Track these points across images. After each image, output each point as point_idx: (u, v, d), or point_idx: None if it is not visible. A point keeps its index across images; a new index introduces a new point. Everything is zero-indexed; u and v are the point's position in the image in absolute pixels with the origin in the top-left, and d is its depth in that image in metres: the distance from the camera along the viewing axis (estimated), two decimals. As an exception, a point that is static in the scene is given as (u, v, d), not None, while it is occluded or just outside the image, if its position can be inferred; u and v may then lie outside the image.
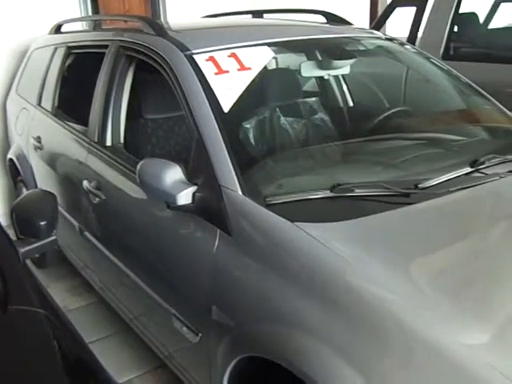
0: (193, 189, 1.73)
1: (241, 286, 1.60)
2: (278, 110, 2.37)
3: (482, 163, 1.85)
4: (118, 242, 2.31)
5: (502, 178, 1.81)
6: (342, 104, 2.89)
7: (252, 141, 2.21)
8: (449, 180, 1.77)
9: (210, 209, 1.72)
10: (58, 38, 3.19)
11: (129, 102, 2.40)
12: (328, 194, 1.67)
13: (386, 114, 2.38)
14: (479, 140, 2.21)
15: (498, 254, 1.57)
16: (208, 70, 1.95)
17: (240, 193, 1.68)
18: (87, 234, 2.53)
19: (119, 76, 2.36)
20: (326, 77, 2.74)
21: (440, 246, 1.56)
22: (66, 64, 3.01)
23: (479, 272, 1.49)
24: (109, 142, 2.38)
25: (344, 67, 2.60)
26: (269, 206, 1.63)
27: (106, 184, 2.29)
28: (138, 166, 1.83)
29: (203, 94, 1.88)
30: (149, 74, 2.28)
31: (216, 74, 1.94)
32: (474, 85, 2.41)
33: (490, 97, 2.36)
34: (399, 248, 1.52)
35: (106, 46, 2.51)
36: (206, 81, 1.92)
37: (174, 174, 1.74)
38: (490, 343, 1.25)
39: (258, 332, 1.52)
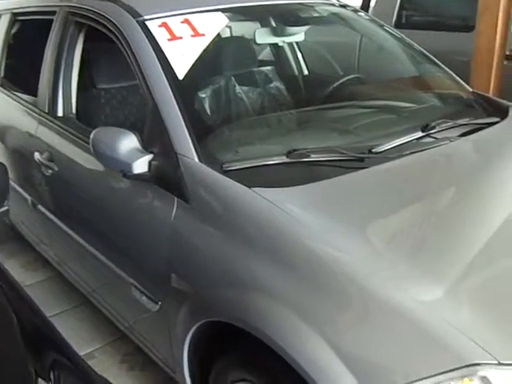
0: (149, 157, 1.71)
1: (199, 252, 1.61)
2: (233, 78, 2.35)
3: (433, 128, 1.90)
4: (73, 215, 2.27)
5: (451, 141, 1.86)
6: (296, 72, 2.89)
7: (208, 109, 2.20)
8: (401, 144, 1.81)
9: (167, 177, 1.71)
10: (2, 5, 3.06)
11: (80, 71, 2.34)
12: (284, 159, 1.68)
13: (341, 81, 2.40)
14: (431, 106, 2.26)
15: (449, 215, 1.63)
16: (161, 36, 1.91)
17: (197, 160, 1.67)
18: (40, 207, 2.48)
19: (69, 44, 2.29)
20: (280, 44, 2.73)
21: (394, 208, 1.60)
22: (12, 32, 2.89)
23: (431, 232, 1.55)
24: (60, 113, 2.31)
25: (298, 34, 2.59)
26: (226, 173, 1.63)
27: (58, 155, 2.24)
28: (92, 135, 1.79)
29: (157, 60, 1.85)
30: (100, 41, 2.21)
31: (169, 40, 1.91)
32: (426, 52, 2.45)
33: (441, 64, 2.41)
34: (355, 211, 1.56)
35: (53, 13, 2.42)
36: (159, 47, 1.89)
37: (129, 143, 1.72)
38: (444, 299, 1.29)
39: (217, 297, 1.54)
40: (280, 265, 1.43)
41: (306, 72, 2.91)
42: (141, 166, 1.70)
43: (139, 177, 1.73)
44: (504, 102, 2.27)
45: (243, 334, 1.46)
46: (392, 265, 1.37)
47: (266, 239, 1.49)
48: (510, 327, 1.22)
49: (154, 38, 1.91)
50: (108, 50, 2.21)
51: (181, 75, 1.84)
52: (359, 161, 1.72)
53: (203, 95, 2.21)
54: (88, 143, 1.84)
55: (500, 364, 1.13)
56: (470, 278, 1.38)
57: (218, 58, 2.34)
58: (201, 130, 1.82)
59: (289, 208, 1.50)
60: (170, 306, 1.72)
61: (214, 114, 2.21)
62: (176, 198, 1.68)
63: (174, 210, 1.68)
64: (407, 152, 1.77)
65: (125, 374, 2.26)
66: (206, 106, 2.20)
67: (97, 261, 2.08)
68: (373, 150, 1.75)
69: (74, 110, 2.32)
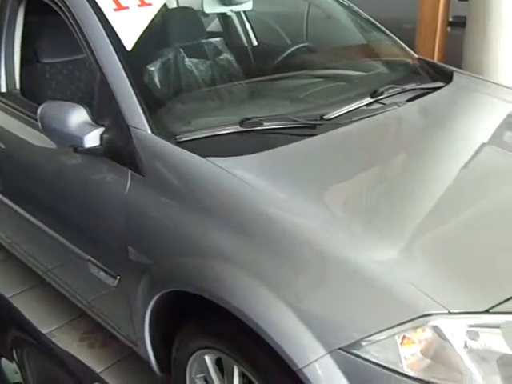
0: (100, 130, 1.68)
1: (157, 224, 1.61)
2: (182, 51, 2.32)
3: (381, 94, 1.94)
4: (24, 193, 2.22)
5: (399, 106, 1.91)
6: (246, 43, 2.88)
7: (158, 81, 2.16)
8: (352, 111, 1.84)
9: (120, 150, 1.69)
10: None
11: (23, 44, 2.25)
12: (238, 128, 1.69)
13: (290, 50, 2.40)
14: (378, 73, 2.30)
15: (401, 177, 1.69)
16: (106, 5, 1.86)
17: (149, 132, 1.65)
18: (-12, 188, 2.40)
19: (9, 15, 2.19)
20: (228, 14, 2.71)
21: (348, 173, 1.64)
22: None
23: (385, 195, 1.59)
24: (3, 89, 2.23)
25: (246, 3, 2.57)
26: (179, 144, 1.62)
27: (3, 133, 2.17)
28: (39, 111, 1.74)
29: (103, 31, 1.80)
30: (43, 13, 2.14)
31: (115, 10, 1.86)
32: (373, 20, 2.48)
33: (388, 32, 2.45)
34: (310, 177, 1.59)
35: (-10, -16, 2.31)
36: (105, 18, 1.84)
37: (78, 116, 1.68)
38: (398, 258, 1.34)
39: (176, 267, 1.55)
40: (239, 232, 1.44)
41: (255, 43, 2.90)
42: (92, 139, 1.67)
43: (91, 151, 1.70)
44: (448, 67, 2.34)
45: (204, 303, 1.48)
46: (349, 228, 1.41)
47: (224, 207, 1.50)
48: (459, 279, 1.28)
49: (99, 8, 1.85)
50: (52, 23, 2.14)
51: (129, 46, 1.80)
52: (311, 128, 1.75)
53: (152, 68, 2.18)
54: (35, 119, 1.79)
55: (450, 313, 1.18)
56: (422, 237, 1.43)
57: (166, 29, 2.31)
58: (152, 102, 1.80)
59: (244, 176, 1.51)
60: (128, 280, 1.72)
61: (165, 87, 2.18)
62: (130, 171, 1.66)
63: (129, 183, 1.66)
64: (357, 118, 1.81)
65: (85, 352, 2.25)
66: (156, 77, 2.16)
67: (51, 240, 2.04)
68: (324, 117, 1.78)
69: (17, 86, 2.24)
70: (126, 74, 1.73)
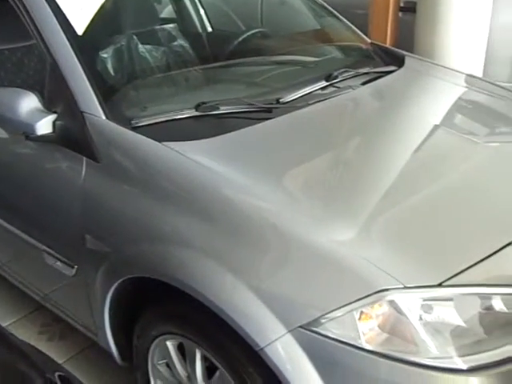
0: (52, 117, 1.64)
1: (114, 211, 1.59)
2: (135, 37, 2.29)
3: (336, 77, 1.97)
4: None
5: (354, 89, 1.94)
6: (200, 29, 2.85)
7: (111, 67, 2.12)
8: (307, 94, 1.86)
9: (74, 137, 1.65)
10: None
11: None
12: (194, 112, 1.69)
13: (244, 36, 2.40)
14: (333, 57, 2.32)
15: (357, 158, 1.71)
16: (55, -12, 1.81)
17: (104, 117, 1.63)
18: None
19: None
20: (182, -1, 2.68)
21: (305, 156, 1.66)
22: None
23: (343, 176, 1.62)
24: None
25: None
26: (135, 129, 1.61)
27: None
28: (-13, 98, 1.69)
29: (53, 15, 1.75)
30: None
31: (65, -7, 1.82)
32: (326, 6, 2.50)
33: (341, 17, 2.48)
34: (268, 160, 1.60)
35: None
36: (55, 2, 1.79)
37: (29, 103, 1.64)
38: (356, 237, 1.37)
39: (136, 253, 1.53)
40: (199, 217, 1.44)
41: (209, 29, 2.87)
42: (44, 126, 1.63)
43: (43, 138, 1.66)
44: (400, 51, 2.39)
45: (165, 288, 1.48)
46: (308, 210, 1.43)
47: (182, 192, 1.50)
48: (414, 255, 1.32)
49: (47, -9, 1.80)
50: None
51: (80, 31, 1.76)
52: (267, 111, 1.75)
53: (105, 55, 2.13)
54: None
55: (405, 288, 1.22)
56: (379, 216, 1.46)
57: (118, 15, 2.26)
58: (106, 88, 1.77)
59: (202, 160, 1.51)
60: (86, 269, 1.69)
61: (119, 73, 2.14)
62: (85, 158, 1.63)
63: (84, 171, 1.63)
64: (313, 101, 1.83)
65: (44, 345, 2.20)
66: (110, 64, 2.12)
67: (5, 231, 1.99)
68: (280, 100, 1.79)
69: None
70: (78, 58, 1.69)
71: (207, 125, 1.69)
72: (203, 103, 1.69)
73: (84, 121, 1.62)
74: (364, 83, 2.02)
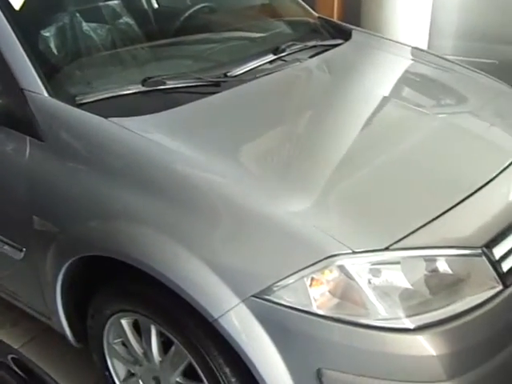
0: (-9, 96, 1.59)
1: (61, 190, 1.55)
2: (78, 15, 2.22)
3: (284, 50, 1.97)
4: None
5: (302, 62, 1.95)
6: (146, 6, 2.79)
7: (54, 45, 2.05)
8: (255, 68, 1.86)
9: (15, 116, 1.60)
10: None
11: None
12: (140, 88, 1.66)
13: (191, 11, 2.36)
14: (280, 32, 2.30)
15: (309, 130, 1.72)
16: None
17: (46, 95, 1.58)
18: None
19: None
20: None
21: (256, 129, 1.65)
22: None
23: (296, 148, 1.62)
24: None
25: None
26: (80, 106, 1.57)
27: None
28: None
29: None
30: None
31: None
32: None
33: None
34: (218, 134, 1.59)
35: None
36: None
37: None
38: (310, 207, 1.38)
39: (85, 232, 1.51)
40: (149, 192, 1.43)
41: (155, 5, 2.81)
42: (-17, 106, 1.57)
43: None
44: (347, 25, 2.40)
45: (116, 265, 1.46)
46: (263, 183, 1.43)
47: (131, 168, 1.48)
48: (362, 221, 1.34)
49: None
50: None
51: (17, 5, 1.70)
52: (215, 85, 1.74)
53: (47, 33, 2.07)
54: None
55: (354, 253, 1.25)
56: (331, 186, 1.48)
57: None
58: (48, 65, 1.73)
59: (150, 134, 1.50)
60: (35, 251, 1.66)
61: (62, 51, 2.08)
62: (28, 137, 1.59)
63: (28, 150, 1.59)
64: (261, 74, 1.82)
65: (-4, 333, 2.16)
66: (52, 42, 2.06)
67: None
68: (228, 74, 1.78)
69: None
70: (16, 35, 1.63)
71: (154, 100, 1.66)
72: (149, 78, 1.67)
73: (25, 99, 1.57)
74: (311, 56, 2.02)
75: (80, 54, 2.11)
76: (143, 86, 1.66)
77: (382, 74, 2.16)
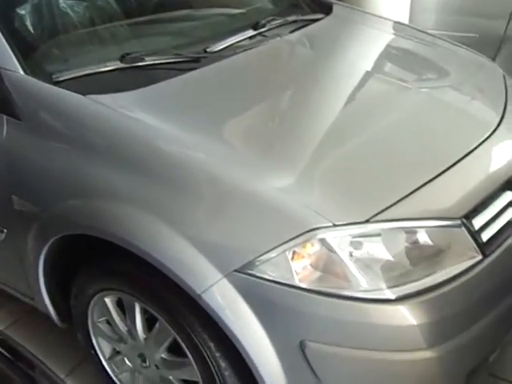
0: (-34, 76, 1.56)
1: (41, 169, 1.54)
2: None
3: (264, 25, 1.95)
4: None
5: (282, 37, 1.93)
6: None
7: (30, 23, 2.01)
8: (236, 43, 1.84)
9: (-10, 95, 1.57)
10: None
11: None
12: (118, 64, 1.63)
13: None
14: (260, 6, 2.28)
15: (292, 106, 1.71)
16: None
17: (22, 73, 1.55)
18: None
19: None
20: None
21: (239, 104, 1.63)
22: None
23: (279, 124, 1.61)
24: None
25: None
26: (57, 84, 1.55)
27: None
28: None
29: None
30: None
31: None
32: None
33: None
34: (201, 109, 1.57)
35: None
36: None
37: None
38: (299, 185, 1.37)
39: (67, 211, 1.50)
40: (131, 170, 1.41)
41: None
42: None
43: None
44: (328, -1, 2.38)
45: (99, 244, 1.46)
46: (246, 159, 1.42)
47: (112, 145, 1.46)
48: (343, 195, 1.35)
49: None
50: None
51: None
52: (195, 61, 1.72)
53: (23, 11, 2.02)
54: None
55: (335, 226, 1.25)
56: (315, 162, 1.47)
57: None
58: (24, 43, 1.70)
59: (129, 111, 1.48)
60: (16, 232, 1.65)
61: (38, 29, 2.03)
62: (5, 117, 1.57)
63: (5, 130, 1.57)
64: (241, 50, 1.80)
65: (-21, 315, 2.15)
66: (28, 19, 2.01)
67: None
68: (207, 50, 1.76)
69: None
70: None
71: (133, 76, 1.64)
72: (127, 54, 1.64)
73: (1, 77, 1.55)
74: (292, 31, 2.00)
75: (57, 31, 2.06)
76: (121, 62, 1.63)
77: (363, 48, 2.15)
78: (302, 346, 1.27)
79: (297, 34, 2.00)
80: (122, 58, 1.63)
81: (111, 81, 1.60)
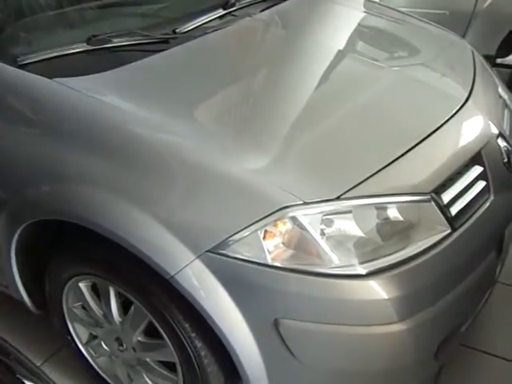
0: None
1: (9, 155, 1.51)
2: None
3: (233, 5, 1.93)
4: None
5: (252, 17, 1.91)
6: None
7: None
8: (205, 23, 1.82)
9: (-46, 79, 1.53)
10: None
11: None
12: (85, 46, 1.60)
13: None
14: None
15: (266, 86, 1.70)
16: None
17: (-16, 56, 1.52)
18: None
19: None
20: None
21: (210, 85, 1.61)
22: None
23: (253, 105, 1.59)
24: None
25: None
26: (22, 67, 1.51)
27: None
28: None
29: None
30: None
31: None
32: None
33: None
34: (171, 91, 1.55)
35: None
36: None
37: None
38: (270, 165, 1.36)
39: (38, 196, 1.48)
40: (102, 153, 1.39)
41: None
42: None
43: None
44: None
45: (71, 228, 1.45)
46: (219, 140, 1.40)
47: (81, 129, 1.44)
48: (314, 173, 1.35)
49: None
50: None
51: None
52: (164, 42, 1.70)
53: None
54: None
55: (305, 203, 1.26)
56: (286, 142, 1.47)
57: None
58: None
59: (98, 94, 1.45)
60: (-14, 219, 1.62)
61: (2, 11, 1.98)
62: (-31, 102, 1.53)
63: (-30, 116, 1.53)
64: (211, 30, 1.78)
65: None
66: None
67: None
68: (176, 31, 1.74)
69: None
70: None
71: (101, 59, 1.61)
72: (94, 36, 1.61)
73: (-40, 61, 1.51)
74: (262, 10, 1.99)
75: (22, 13, 2.01)
76: (88, 44, 1.60)
77: (335, 27, 2.14)
78: (275, 324, 1.29)
79: (267, 12, 1.99)
80: (88, 40, 1.60)
81: (78, 63, 1.58)
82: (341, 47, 1.95)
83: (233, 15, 1.92)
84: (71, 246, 1.56)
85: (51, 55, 1.56)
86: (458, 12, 2.95)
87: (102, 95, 1.46)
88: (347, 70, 1.84)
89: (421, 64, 1.95)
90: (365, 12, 2.34)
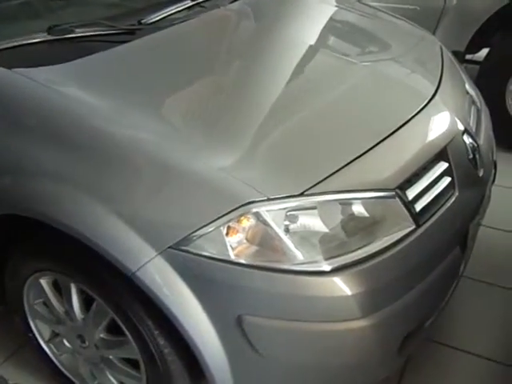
0: None
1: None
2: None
3: (203, -5, 1.90)
4: None
5: (221, 8, 1.88)
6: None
7: None
8: (172, 14, 1.78)
9: None
10: None
11: None
12: (46, 36, 1.56)
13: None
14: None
15: (234, 81, 1.67)
16: None
17: None
18: None
19: None
20: None
21: (177, 79, 1.57)
22: None
23: (222, 100, 1.55)
24: None
25: None
26: (-21, 56, 1.46)
27: None
28: None
29: None
30: None
31: None
32: None
33: None
34: (136, 84, 1.51)
35: None
36: None
37: None
38: (234, 161, 1.33)
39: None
40: (63, 147, 1.35)
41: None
42: None
43: None
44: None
45: (30, 224, 1.41)
46: (186, 136, 1.37)
47: (41, 122, 1.39)
48: (279, 169, 1.33)
49: None
50: None
51: None
52: (130, 33, 1.66)
53: None
54: None
55: (269, 199, 1.24)
56: (253, 137, 1.43)
57: None
58: None
59: (59, 86, 1.41)
60: None
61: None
62: None
63: None
64: (178, 21, 1.75)
65: None
66: None
67: None
68: (142, 22, 1.70)
69: None
70: None
71: (63, 49, 1.56)
72: (55, 26, 1.56)
73: None
74: (232, 2, 1.96)
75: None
76: (49, 34, 1.56)
77: (306, 20, 2.12)
78: (239, 321, 1.27)
79: (237, 4, 1.96)
80: (49, 30, 1.56)
81: (39, 54, 1.53)
82: (311, 41, 1.94)
83: (201, 6, 1.89)
84: (31, 241, 1.52)
85: (10, 45, 1.51)
86: (428, 8, 2.96)
87: (62, 87, 1.42)
88: (317, 65, 1.82)
89: (390, 59, 1.95)
90: (336, 6, 2.33)
